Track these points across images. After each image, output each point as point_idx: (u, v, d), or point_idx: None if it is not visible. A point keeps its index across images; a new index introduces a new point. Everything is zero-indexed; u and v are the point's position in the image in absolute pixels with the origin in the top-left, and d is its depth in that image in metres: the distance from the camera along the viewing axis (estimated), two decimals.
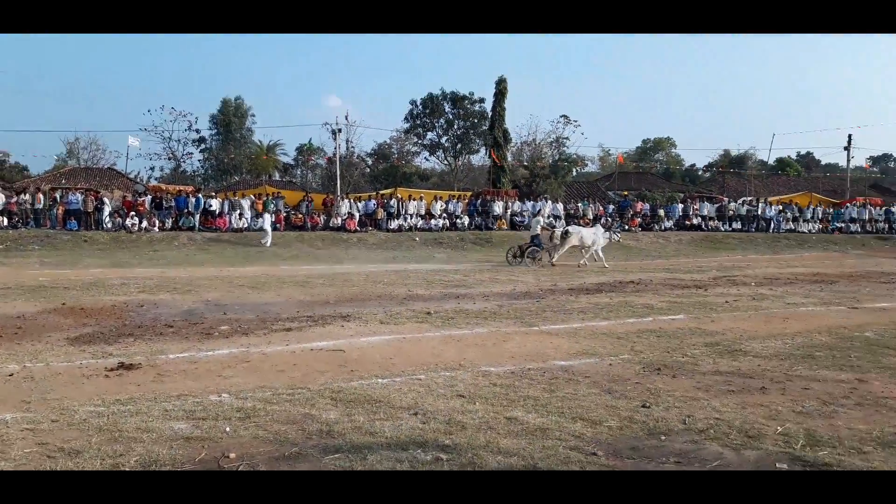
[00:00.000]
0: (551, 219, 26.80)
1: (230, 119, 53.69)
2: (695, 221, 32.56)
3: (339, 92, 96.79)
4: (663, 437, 4.42)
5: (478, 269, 17.89)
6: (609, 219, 29.28)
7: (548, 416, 4.85)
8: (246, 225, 26.46)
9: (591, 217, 29.08)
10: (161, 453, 3.93)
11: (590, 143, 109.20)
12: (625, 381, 5.94)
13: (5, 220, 23.90)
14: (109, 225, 25.05)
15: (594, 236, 19.47)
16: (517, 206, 30.81)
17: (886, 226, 34.20)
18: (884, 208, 36.04)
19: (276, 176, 53.17)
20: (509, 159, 40.89)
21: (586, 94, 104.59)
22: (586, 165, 60.86)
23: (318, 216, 28.33)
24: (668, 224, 32.27)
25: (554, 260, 19.14)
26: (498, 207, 30.10)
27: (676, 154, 66.33)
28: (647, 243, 28.42)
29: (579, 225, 22.75)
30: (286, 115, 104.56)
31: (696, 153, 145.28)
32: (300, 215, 27.93)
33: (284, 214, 27.83)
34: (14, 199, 24.86)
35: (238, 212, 26.81)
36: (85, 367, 6.17)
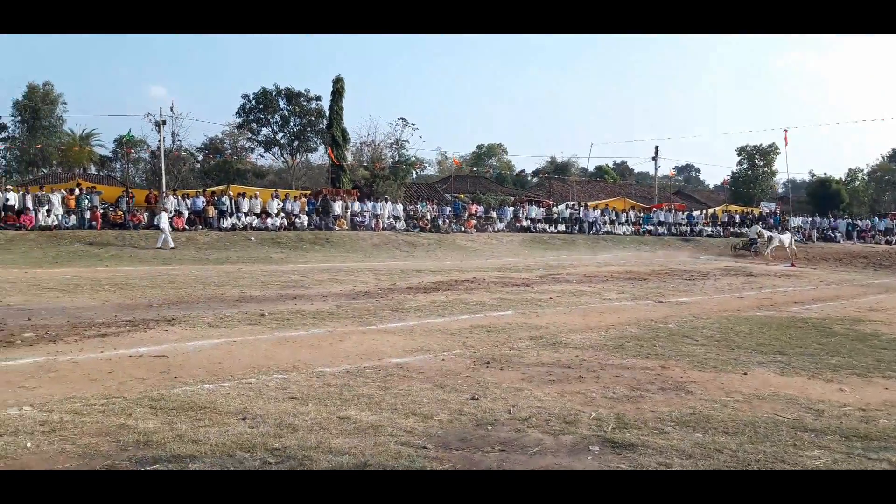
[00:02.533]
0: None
1: (38, 106, 48.31)
2: (524, 223, 34.39)
3: (165, 82, 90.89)
4: (490, 427, 4.63)
5: (320, 269, 17.60)
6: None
7: (381, 413, 4.89)
8: (56, 222, 23.94)
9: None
10: None
11: (428, 146, 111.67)
12: (456, 375, 6.14)
13: None
14: None
15: (788, 239, 29.01)
16: (357, 205, 30.69)
17: (688, 228, 38.25)
18: (686, 213, 40.32)
19: (93, 169, 48.64)
20: (349, 159, 40.64)
21: (425, 98, 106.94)
22: (425, 168, 62.07)
23: (141, 213, 26.35)
24: (501, 226, 33.79)
25: (766, 253, 27.85)
26: (338, 207, 29.78)
27: (508, 160, 69.66)
28: (482, 244, 29.55)
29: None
30: (104, 104, 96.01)
31: (526, 160, 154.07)
32: (120, 212, 25.80)
33: (101, 211, 25.55)
34: None
35: (46, 208, 24.19)
36: None
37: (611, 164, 68.61)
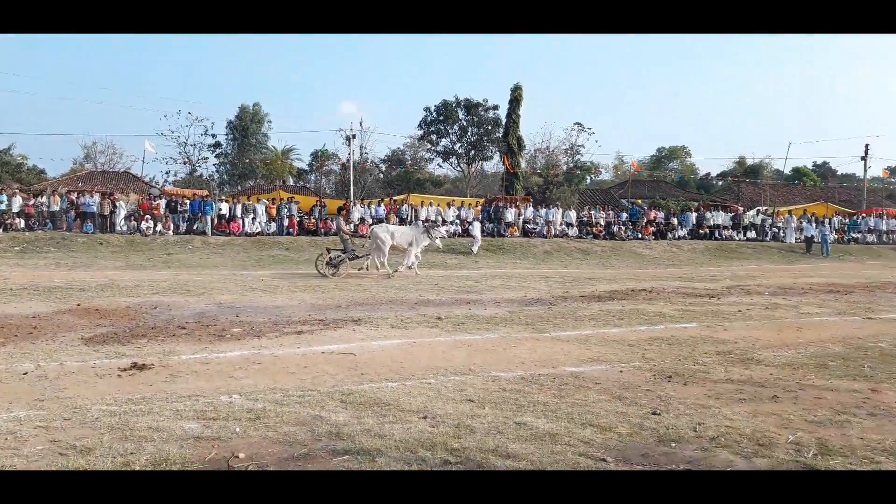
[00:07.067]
0: None
1: (247, 125, 54.10)
2: (708, 230, 32.40)
3: (355, 98, 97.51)
4: (673, 445, 4.40)
5: (492, 275, 17.89)
6: None
7: (557, 421, 4.84)
8: (259, 229, 26.61)
9: None
10: (171, 452, 3.96)
11: (604, 150, 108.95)
12: (635, 388, 5.91)
13: (22, 223, 24.22)
14: (124, 228, 25.28)
15: None
16: (530, 212, 30.79)
17: None
18: None
19: (291, 181, 53.42)
20: (523, 166, 40.94)
21: (601, 101, 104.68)
22: (601, 173, 60.84)
23: (332, 221, 28.43)
24: (682, 233, 32.11)
25: None
26: (510, 214, 30.08)
27: (691, 163, 66.06)
28: (661, 252, 28.27)
29: None
30: (302, 121, 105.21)
31: (711, 162, 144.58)
32: (313, 220, 28.07)
33: (298, 219, 27.97)
34: (31, 202, 25.18)
35: (252, 216, 27.01)
36: (98, 367, 6.24)
37: (809, 166, 62.55)
